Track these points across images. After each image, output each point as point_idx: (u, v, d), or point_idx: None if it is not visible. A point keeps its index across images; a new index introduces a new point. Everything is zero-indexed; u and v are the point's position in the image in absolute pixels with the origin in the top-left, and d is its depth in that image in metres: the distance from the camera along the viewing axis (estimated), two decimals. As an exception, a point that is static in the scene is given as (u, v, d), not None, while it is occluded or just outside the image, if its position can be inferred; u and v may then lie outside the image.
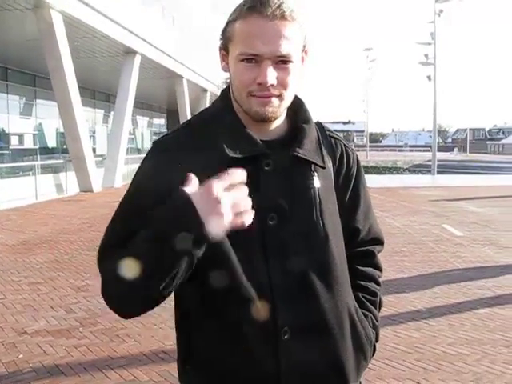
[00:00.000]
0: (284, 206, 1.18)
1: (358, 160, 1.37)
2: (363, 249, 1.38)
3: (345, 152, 1.33)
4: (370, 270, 1.38)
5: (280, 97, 1.17)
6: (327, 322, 1.19)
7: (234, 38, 1.16)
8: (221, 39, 1.21)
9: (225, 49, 1.21)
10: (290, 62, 1.15)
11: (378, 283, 1.39)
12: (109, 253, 1.14)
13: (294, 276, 1.17)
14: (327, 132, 1.33)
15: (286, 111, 1.24)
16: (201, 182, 1.13)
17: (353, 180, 1.34)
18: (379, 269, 1.41)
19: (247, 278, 1.12)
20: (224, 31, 1.20)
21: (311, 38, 1.21)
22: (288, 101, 1.21)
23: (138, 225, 1.08)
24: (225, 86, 1.30)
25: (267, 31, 1.12)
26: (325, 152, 1.28)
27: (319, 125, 1.32)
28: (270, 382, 1.13)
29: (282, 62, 1.14)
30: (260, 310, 1.12)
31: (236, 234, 1.12)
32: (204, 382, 1.18)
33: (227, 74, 1.27)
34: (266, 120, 1.19)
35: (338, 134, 1.38)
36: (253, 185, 1.16)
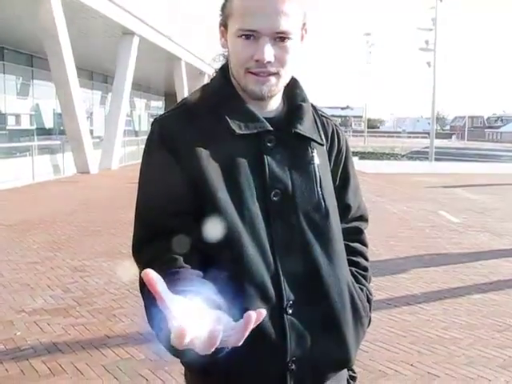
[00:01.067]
0: (287, 182, 1.19)
1: (346, 140, 1.40)
2: (351, 225, 1.40)
3: (335, 132, 1.35)
4: (358, 245, 1.40)
5: (277, 74, 1.16)
6: (330, 296, 1.21)
7: (232, 14, 1.15)
8: (220, 15, 1.21)
9: (224, 25, 1.20)
10: (289, 39, 1.14)
11: (366, 259, 1.41)
12: (143, 254, 1.16)
13: (297, 252, 1.18)
14: (319, 111, 1.35)
15: (282, 89, 1.24)
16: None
17: (343, 159, 1.36)
18: (366, 245, 1.44)
19: (253, 254, 1.13)
20: (223, 7, 1.19)
21: (311, 16, 1.20)
22: (286, 79, 1.20)
23: (159, 218, 1.13)
24: (215, 63, 1.30)
25: (266, 7, 1.11)
26: (320, 130, 1.30)
27: (311, 105, 1.33)
28: (279, 357, 1.15)
29: (280, 38, 1.13)
30: (266, 286, 1.14)
31: (241, 212, 1.13)
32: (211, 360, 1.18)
33: (218, 51, 1.27)
34: (262, 98, 1.19)
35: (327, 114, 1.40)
36: (256, 161, 1.17)
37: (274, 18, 1.11)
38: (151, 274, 0.77)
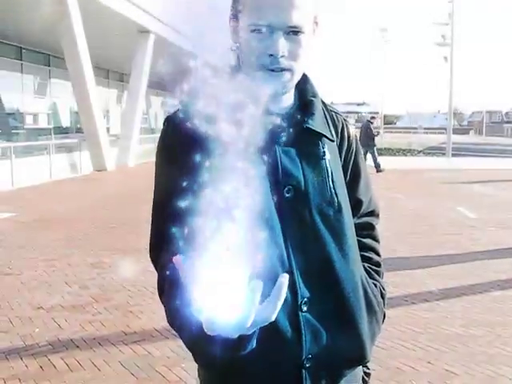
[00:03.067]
0: (299, 178, 1.19)
1: (355, 134, 1.39)
2: (363, 220, 1.38)
3: (345, 126, 1.34)
4: (370, 241, 1.39)
5: (291, 70, 1.15)
6: (344, 292, 1.20)
7: (244, 9, 1.14)
8: (231, 10, 1.19)
9: (235, 20, 1.18)
10: (301, 32, 1.13)
11: (379, 254, 1.40)
12: (159, 253, 1.15)
13: (311, 248, 1.17)
14: (328, 107, 1.34)
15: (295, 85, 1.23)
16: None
17: (353, 154, 1.35)
18: (378, 241, 1.42)
19: (267, 251, 1.12)
20: (234, 1, 1.18)
21: (323, 9, 1.19)
22: (299, 73, 1.19)
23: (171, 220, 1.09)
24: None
25: (278, 1, 1.10)
26: (331, 126, 1.29)
27: (320, 100, 1.32)
28: (294, 355, 1.14)
29: (293, 32, 1.12)
30: None
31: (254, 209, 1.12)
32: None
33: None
34: (276, 95, 1.17)
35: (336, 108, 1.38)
36: (269, 158, 1.16)
37: (286, 12, 1.10)
38: (180, 259, 0.80)
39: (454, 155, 27.06)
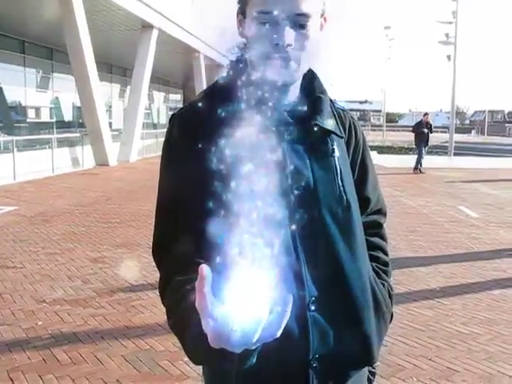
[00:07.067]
0: (308, 175, 1.17)
1: (363, 133, 1.37)
2: (370, 219, 1.37)
3: (352, 124, 1.33)
4: (377, 240, 1.38)
5: (297, 60, 1.13)
6: (352, 291, 1.18)
7: (250, 0, 1.13)
8: (238, 3, 1.18)
9: (242, 13, 1.17)
10: (308, 23, 1.11)
11: (386, 253, 1.39)
12: (163, 254, 1.16)
13: (320, 246, 1.16)
14: (335, 104, 1.33)
15: (300, 80, 1.22)
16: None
17: (361, 151, 1.34)
18: (386, 240, 1.41)
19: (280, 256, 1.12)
20: None
21: (331, 5, 1.17)
22: (306, 65, 1.17)
23: (176, 219, 1.12)
24: (230, 55, 1.26)
25: None
26: (338, 123, 1.28)
27: (328, 97, 1.31)
28: (301, 355, 1.13)
29: (300, 23, 1.10)
30: (288, 281, 1.10)
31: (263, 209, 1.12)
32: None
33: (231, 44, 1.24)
34: (282, 86, 1.15)
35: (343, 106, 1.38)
36: (277, 155, 1.15)
37: (293, 0, 1.09)
38: (206, 271, 0.78)
39: (455, 154, 27.01)
